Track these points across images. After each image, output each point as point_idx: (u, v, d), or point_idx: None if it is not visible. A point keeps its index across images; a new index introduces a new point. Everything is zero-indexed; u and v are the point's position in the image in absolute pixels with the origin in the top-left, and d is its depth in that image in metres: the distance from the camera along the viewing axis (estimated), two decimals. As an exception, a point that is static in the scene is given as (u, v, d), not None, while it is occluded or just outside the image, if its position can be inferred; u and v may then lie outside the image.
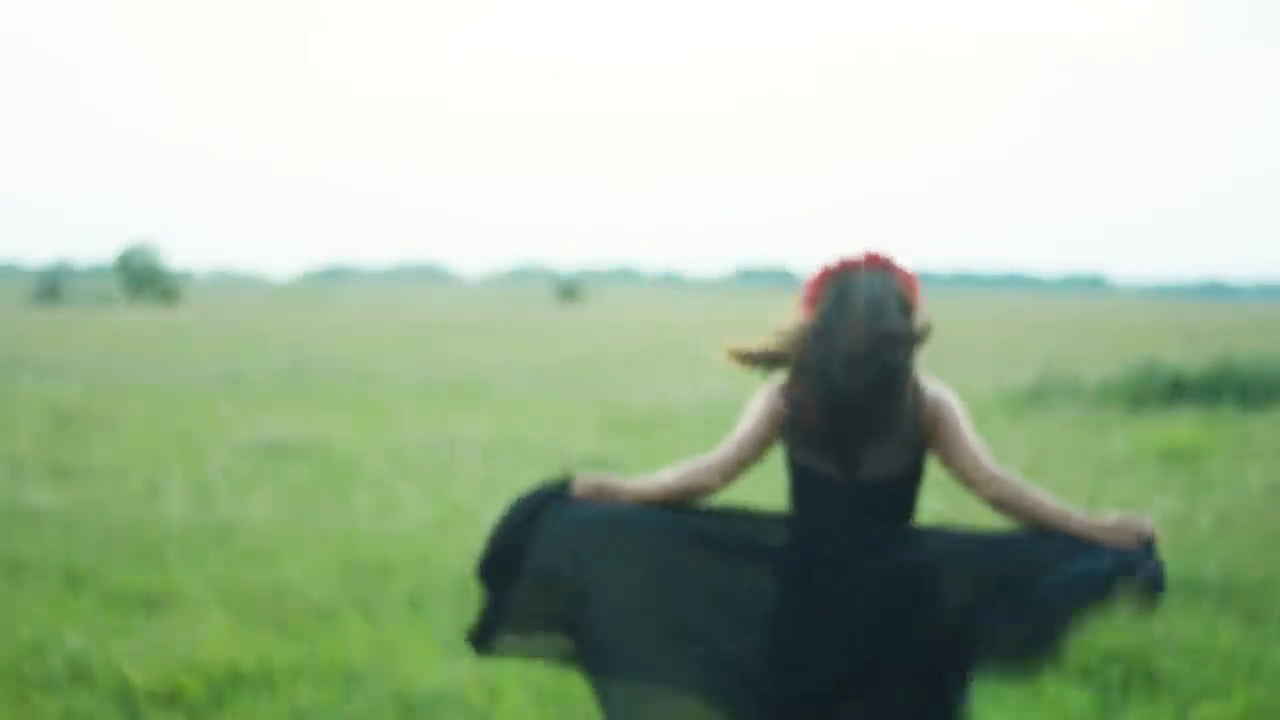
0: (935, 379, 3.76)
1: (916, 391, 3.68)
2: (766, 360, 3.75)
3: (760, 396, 3.77)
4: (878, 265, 3.73)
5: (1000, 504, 3.70)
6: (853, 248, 3.78)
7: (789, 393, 3.73)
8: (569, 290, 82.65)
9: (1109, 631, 6.28)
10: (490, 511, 9.73)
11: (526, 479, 11.22)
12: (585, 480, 3.84)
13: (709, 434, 14.22)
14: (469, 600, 7.16)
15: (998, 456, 4.03)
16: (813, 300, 3.75)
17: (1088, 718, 5.55)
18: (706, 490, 3.80)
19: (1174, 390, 17.55)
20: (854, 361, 3.61)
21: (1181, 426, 14.32)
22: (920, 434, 3.70)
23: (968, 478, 3.69)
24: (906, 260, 3.80)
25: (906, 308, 3.69)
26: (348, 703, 5.58)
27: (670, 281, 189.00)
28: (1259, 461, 12.08)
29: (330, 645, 6.22)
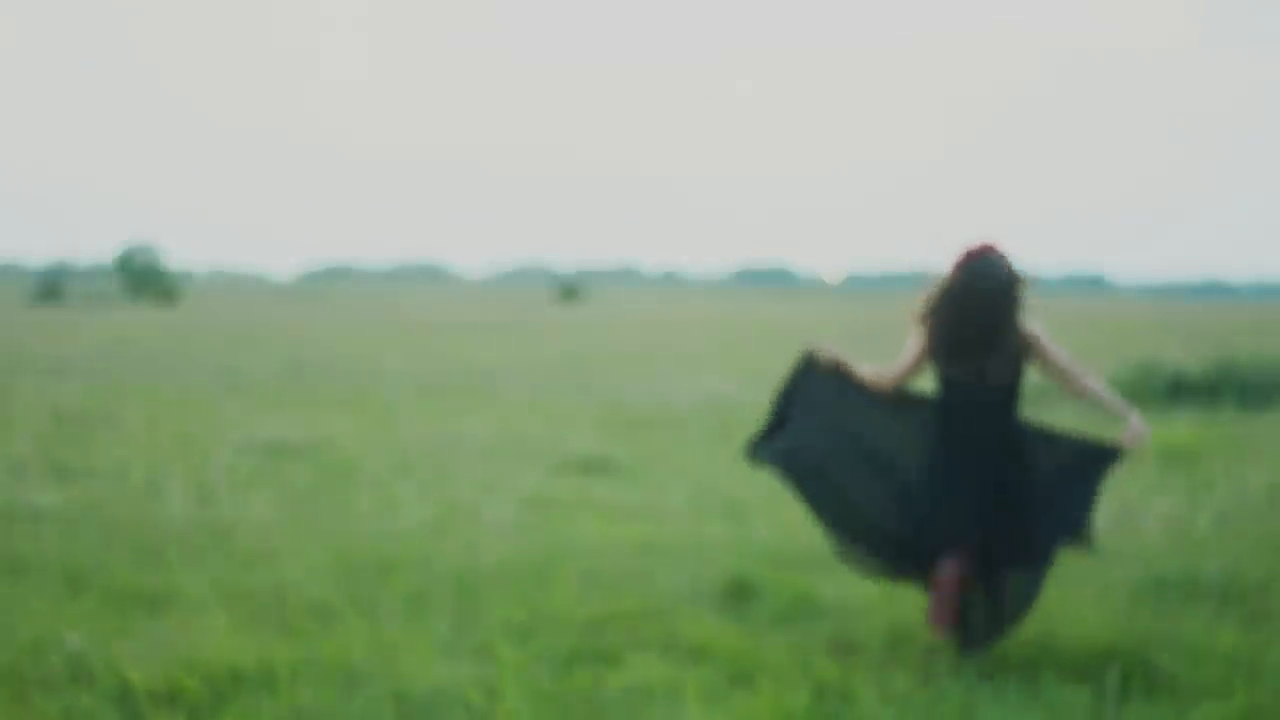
0: (1030, 319, 5.96)
1: (1017, 327, 5.93)
2: (929, 312, 5.99)
3: (914, 333, 6.05)
4: (988, 250, 5.97)
5: (1076, 391, 6.05)
6: (967, 239, 6.02)
7: (937, 328, 5.96)
8: (569, 290, 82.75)
9: (1108, 630, 6.28)
10: (490, 511, 9.76)
11: (526, 478, 11.24)
12: (826, 355, 6.26)
13: (709, 433, 14.22)
14: (469, 600, 7.17)
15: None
16: (954, 273, 5.97)
17: (1087, 717, 5.54)
18: (894, 385, 6.17)
19: (1174, 390, 17.55)
20: (973, 308, 5.91)
21: (1181, 426, 14.31)
22: (1021, 354, 5.96)
23: (1059, 378, 6.03)
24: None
25: (1009, 275, 5.92)
26: (348, 703, 5.57)
27: (670, 281, 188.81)
28: (1259, 461, 12.08)
29: (330, 645, 6.21)
